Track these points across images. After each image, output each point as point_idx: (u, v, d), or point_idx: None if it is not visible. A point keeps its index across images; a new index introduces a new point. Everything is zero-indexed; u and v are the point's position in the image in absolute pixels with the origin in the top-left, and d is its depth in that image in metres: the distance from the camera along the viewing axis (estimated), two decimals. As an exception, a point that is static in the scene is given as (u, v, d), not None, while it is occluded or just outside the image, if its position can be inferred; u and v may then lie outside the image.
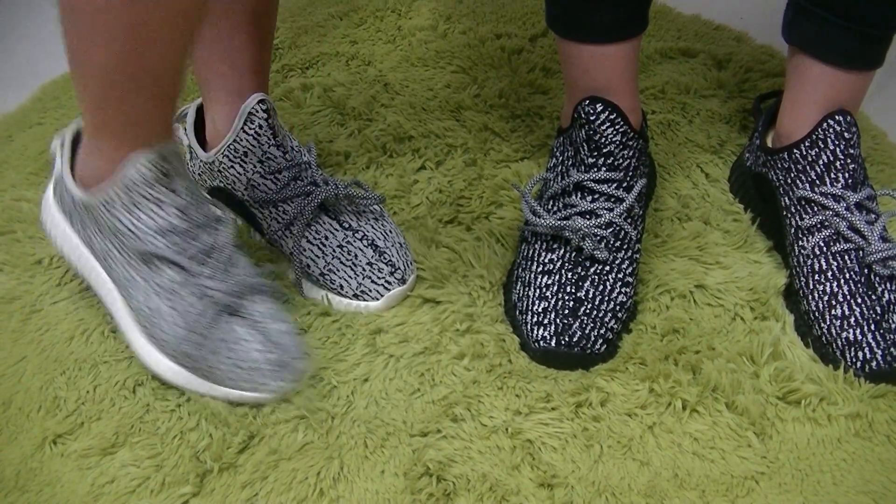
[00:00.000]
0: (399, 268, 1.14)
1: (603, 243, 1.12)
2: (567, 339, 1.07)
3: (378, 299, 1.13)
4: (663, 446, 1.00)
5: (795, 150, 1.14)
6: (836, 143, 1.11)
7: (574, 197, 1.15)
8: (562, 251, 1.13)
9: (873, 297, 1.06)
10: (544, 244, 1.15)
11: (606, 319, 1.09)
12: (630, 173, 1.15)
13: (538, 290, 1.11)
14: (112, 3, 0.84)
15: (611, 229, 1.13)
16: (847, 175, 1.11)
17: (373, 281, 1.12)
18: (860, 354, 1.04)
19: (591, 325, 1.08)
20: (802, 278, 1.11)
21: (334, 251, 1.13)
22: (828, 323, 1.07)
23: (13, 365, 1.10)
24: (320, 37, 1.66)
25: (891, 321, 1.05)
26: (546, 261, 1.13)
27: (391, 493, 0.97)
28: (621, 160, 1.15)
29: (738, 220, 1.25)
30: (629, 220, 1.14)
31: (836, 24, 1.11)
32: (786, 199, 1.16)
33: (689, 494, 0.95)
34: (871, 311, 1.05)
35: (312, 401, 1.04)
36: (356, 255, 1.13)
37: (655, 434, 1.01)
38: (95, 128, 0.99)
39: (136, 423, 1.03)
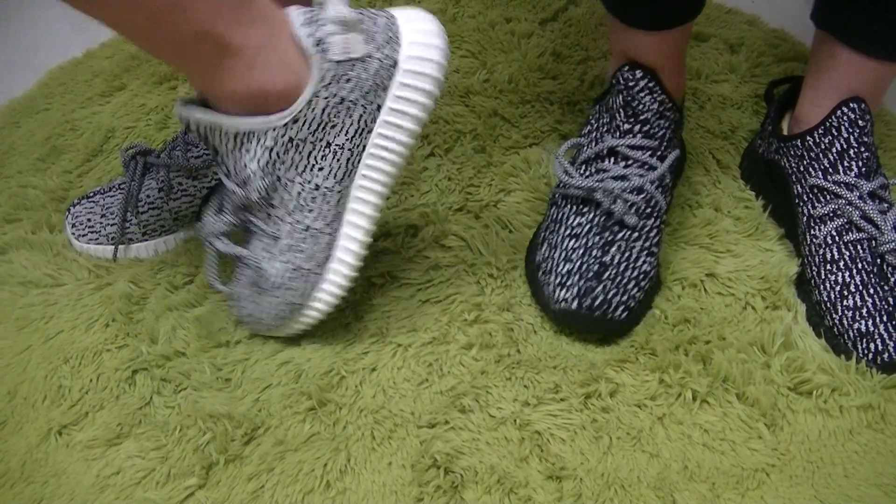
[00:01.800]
0: None
1: (633, 209, 1.11)
2: (589, 301, 1.06)
3: None
4: (673, 438, 0.99)
5: (808, 138, 1.13)
6: (850, 130, 1.10)
7: (607, 162, 1.14)
8: (591, 215, 1.12)
9: (886, 287, 1.05)
10: (574, 207, 1.14)
11: (630, 287, 1.08)
12: (665, 143, 1.15)
13: (564, 253, 1.11)
14: None
15: (642, 195, 1.12)
16: (860, 163, 1.10)
17: None
18: (872, 346, 1.03)
19: (615, 290, 1.07)
20: (814, 268, 1.10)
21: None
22: (840, 313, 1.06)
23: (18, 354, 1.10)
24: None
25: (903, 312, 1.04)
26: (574, 224, 1.12)
27: (398, 485, 0.96)
28: (657, 129, 1.14)
29: (749, 208, 1.24)
30: (660, 188, 1.13)
31: (869, 11, 1.09)
32: (798, 186, 1.15)
33: (699, 487, 0.95)
34: (884, 302, 1.04)
35: (322, 391, 1.04)
36: None
37: (665, 425, 1.00)
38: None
39: (138, 415, 1.03)
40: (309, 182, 0.98)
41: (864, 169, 1.10)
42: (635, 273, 1.09)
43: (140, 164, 1.20)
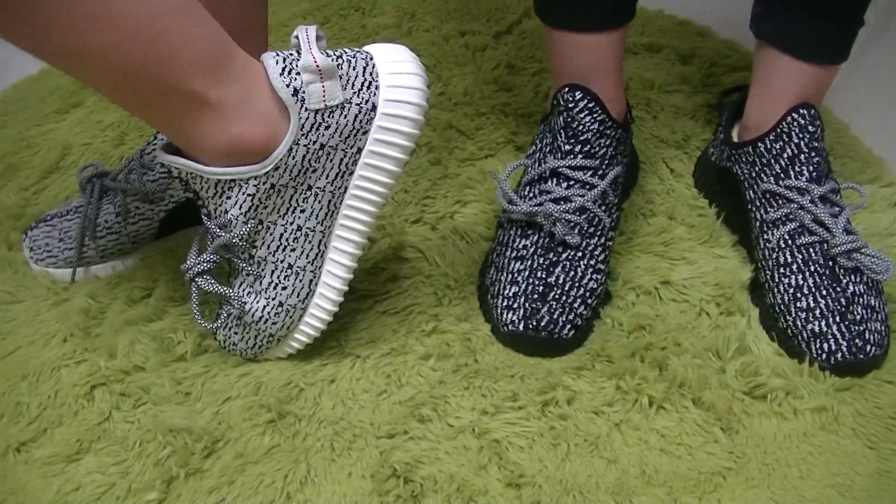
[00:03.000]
0: None
1: (576, 229, 1.12)
2: (535, 323, 1.08)
3: None
4: (630, 443, 1.00)
5: (760, 144, 1.15)
6: (801, 136, 1.12)
7: (549, 183, 1.15)
8: (535, 237, 1.13)
9: (838, 289, 1.07)
10: (519, 230, 1.15)
11: (576, 305, 1.09)
12: (606, 161, 1.15)
13: (510, 275, 1.11)
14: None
15: (584, 215, 1.13)
16: (811, 168, 1.11)
17: None
18: (825, 346, 1.04)
19: (560, 309, 1.08)
20: (768, 271, 1.11)
21: None
22: (793, 315, 1.07)
23: (-24, 372, 1.09)
24: (285, 35, 1.65)
25: (855, 313, 1.05)
26: (520, 246, 1.13)
27: (359, 496, 0.96)
28: (598, 148, 1.15)
29: (703, 215, 1.25)
30: (602, 207, 1.14)
31: (803, 18, 1.11)
32: (750, 192, 1.16)
33: (657, 491, 0.95)
34: (836, 304, 1.06)
35: (281, 403, 1.04)
36: None
37: (622, 431, 1.01)
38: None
39: (98, 430, 1.03)
40: (291, 223, 0.99)
41: (815, 174, 1.11)
42: (581, 291, 1.10)
43: (97, 188, 1.19)
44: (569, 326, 1.08)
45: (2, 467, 1.00)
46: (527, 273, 1.11)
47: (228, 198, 0.96)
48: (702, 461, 0.98)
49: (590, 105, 1.14)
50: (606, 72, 1.18)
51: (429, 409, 1.03)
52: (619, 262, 1.19)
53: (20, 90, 1.59)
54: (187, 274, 1.02)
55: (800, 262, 1.09)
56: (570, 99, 1.14)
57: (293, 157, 0.94)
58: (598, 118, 1.14)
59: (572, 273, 1.10)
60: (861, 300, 1.06)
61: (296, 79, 0.92)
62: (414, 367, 1.08)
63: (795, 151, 1.12)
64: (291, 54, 0.94)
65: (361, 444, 1.00)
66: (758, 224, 1.14)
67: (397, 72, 0.97)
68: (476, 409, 1.03)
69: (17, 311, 1.16)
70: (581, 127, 1.14)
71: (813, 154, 1.11)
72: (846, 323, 1.05)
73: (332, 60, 0.94)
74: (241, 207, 0.96)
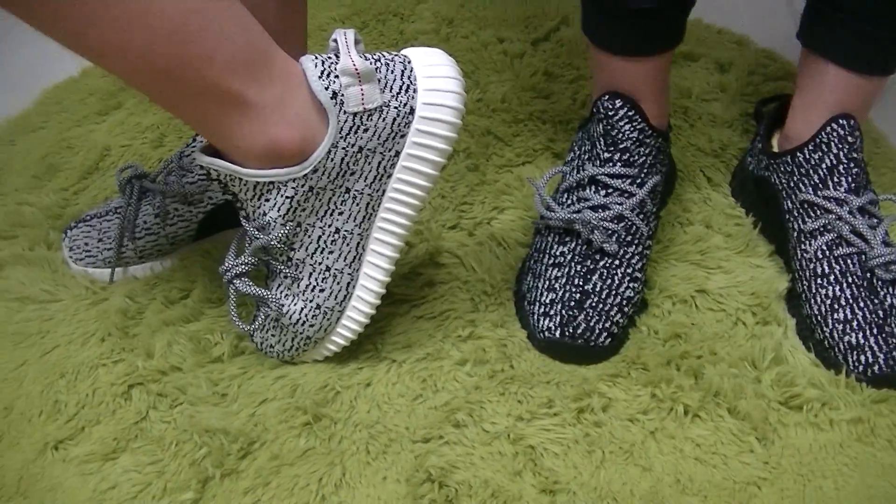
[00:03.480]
0: None
1: (613, 237, 1.12)
2: (571, 330, 1.08)
3: None
4: (665, 452, 1.00)
5: (799, 154, 1.14)
6: (840, 146, 1.11)
7: (588, 190, 1.15)
8: (573, 244, 1.13)
9: (875, 301, 1.06)
10: (556, 237, 1.15)
11: (612, 313, 1.09)
12: (645, 170, 1.16)
13: (547, 282, 1.12)
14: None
15: (622, 223, 1.13)
16: (850, 179, 1.11)
17: None
18: (862, 358, 1.04)
19: (597, 317, 1.08)
20: (805, 282, 1.11)
21: None
22: (830, 327, 1.07)
23: (14, 369, 1.10)
24: (323, 41, 1.66)
25: (893, 325, 1.05)
26: (557, 253, 1.14)
27: (393, 500, 0.97)
28: (637, 156, 1.15)
29: (739, 225, 1.25)
30: (640, 215, 1.14)
31: (854, 27, 1.11)
32: (788, 202, 1.16)
33: (691, 500, 0.95)
34: (874, 315, 1.05)
35: (317, 406, 1.04)
36: None
37: (657, 439, 1.01)
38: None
39: (134, 429, 1.04)
40: (329, 226, 0.99)
41: (853, 184, 1.11)
42: (618, 300, 1.10)
43: (136, 189, 1.20)
44: (605, 334, 1.08)
45: (39, 465, 1.01)
46: (564, 280, 1.11)
47: (267, 200, 0.96)
48: (737, 471, 0.98)
49: (630, 113, 1.14)
50: (651, 92, 1.18)
51: (464, 414, 1.03)
52: (655, 270, 1.19)
53: (60, 92, 1.61)
54: (225, 276, 1.03)
55: (837, 273, 1.09)
56: (610, 107, 1.14)
57: (331, 160, 0.95)
58: (638, 126, 1.14)
59: (609, 281, 1.11)
60: None
61: (334, 82, 0.93)
62: (450, 372, 1.08)
63: (834, 162, 1.11)
64: (330, 57, 0.94)
65: (397, 448, 1.01)
66: (795, 234, 1.14)
67: (435, 75, 0.98)
68: (511, 415, 1.03)
69: (56, 310, 1.17)
70: (620, 135, 1.14)
71: (852, 165, 1.11)
72: (883, 335, 1.04)
73: (371, 64, 0.94)
74: (279, 210, 0.96)
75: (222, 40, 0.86)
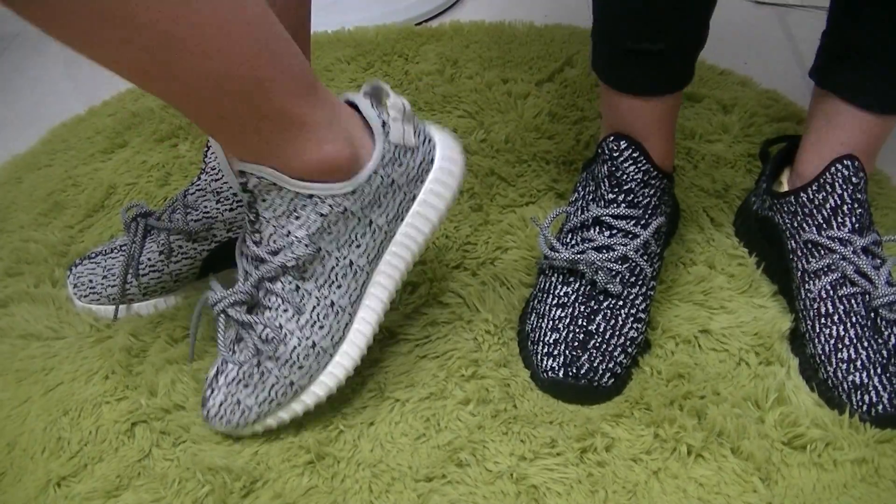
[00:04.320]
0: None
1: (617, 277, 1.13)
2: (575, 370, 1.08)
3: None
4: (668, 491, 0.99)
5: (802, 194, 1.15)
6: (844, 187, 1.12)
7: (592, 231, 1.16)
8: (576, 284, 1.14)
9: (880, 340, 1.06)
10: (560, 277, 1.15)
11: (616, 353, 1.09)
12: (650, 211, 1.16)
13: (551, 322, 1.12)
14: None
15: (626, 264, 1.13)
16: (854, 219, 1.11)
17: None
18: (866, 398, 1.04)
19: (600, 358, 1.08)
20: (809, 321, 1.11)
21: None
22: (834, 366, 1.07)
23: (18, 406, 1.10)
24: (328, 81, 1.67)
25: (897, 365, 1.05)
26: (561, 293, 1.14)
27: (395, 538, 0.96)
28: (641, 198, 1.15)
29: (743, 265, 1.25)
30: (644, 256, 1.15)
31: (872, 69, 1.11)
32: (792, 242, 1.16)
33: (695, 540, 0.95)
34: (878, 355, 1.05)
35: (320, 444, 1.04)
36: None
37: (660, 479, 1.01)
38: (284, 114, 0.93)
39: (137, 467, 1.03)
40: (345, 257, 1.01)
41: (857, 225, 1.11)
42: (622, 340, 1.11)
43: (141, 227, 1.20)
44: (609, 374, 1.08)
45: (42, 501, 1.01)
46: (568, 320, 1.11)
47: (297, 217, 0.98)
48: (740, 511, 0.98)
49: (634, 155, 1.15)
50: (660, 131, 1.18)
51: (467, 453, 1.03)
52: (658, 310, 1.19)
53: (67, 130, 1.62)
54: (218, 305, 1.02)
55: (841, 312, 1.09)
56: (615, 148, 1.15)
57: (370, 185, 0.99)
58: (643, 168, 1.15)
59: (613, 322, 1.11)
60: None
61: (384, 112, 1.00)
62: (453, 411, 1.08)
63: (838, 202, 1.12)
64: (370, 94, 1.02)
65: (399, 487, 1.01)
66: (799, 274, 1.14)
67: (446, 144, 1.07)
68: (514, 455, 1.03)
69: (60, 347, 1.18)
70: (625, 176, 1.15)
71: (856, 205, 1.11)
72: (888, 375, 1.04)
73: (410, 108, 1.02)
74: (308, 228, 0.98)
75: (285, 67, 0.88)
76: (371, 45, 1.76)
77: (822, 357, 1.08)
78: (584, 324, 1.11)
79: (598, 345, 1.09)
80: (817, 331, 1.09)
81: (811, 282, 1.12)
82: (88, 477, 1.03)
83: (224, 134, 0.94)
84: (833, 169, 1.12)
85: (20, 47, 1.86)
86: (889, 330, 1.07)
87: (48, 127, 1.63)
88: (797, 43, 1.73)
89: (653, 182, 1.16)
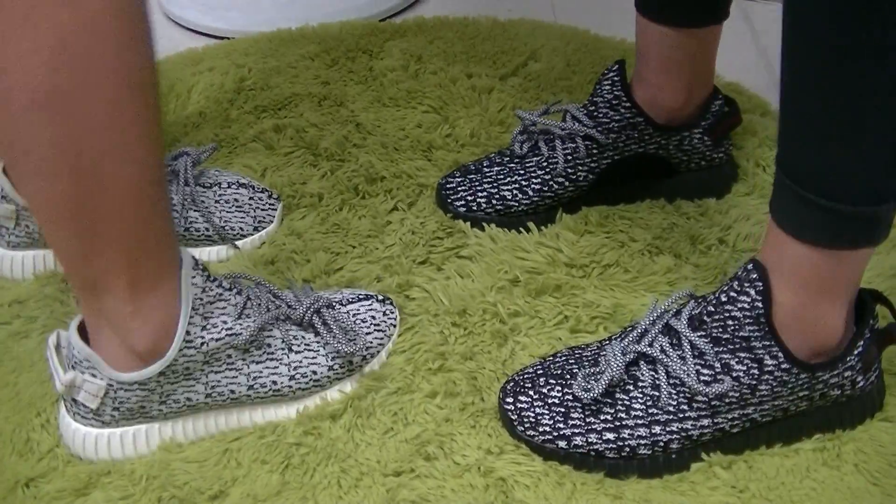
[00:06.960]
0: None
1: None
2: None
3: None
4: (634, 480, 1.01)
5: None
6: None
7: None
8: None
9: None
10: None
11: None
12: (606, 132, 1.26)
13: None
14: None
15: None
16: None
17: None
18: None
19: None
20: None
21: None
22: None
23: (-13, 407, 1.10)
24: (292, 77, 1.67)
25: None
26: None
27: (365, 533, 0.97)
28: (603, 116, 1.25)
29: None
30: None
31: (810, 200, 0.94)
32: None
33: (661, 528, 0.96)
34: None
35: (290, 442, 1.05)
36: None
37: (627, 469, 1.02)
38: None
39: (107, 465, 1.03)
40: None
41: None
42: None
43: None
44: None
45: (11, 502, 1.01)
46: None
47: None
48: (705, 496, 0.98)
49: (614, 76, 1.24)
50: (672, 65, 1.25)
51: (435, 447, 1.04)
52: (625, 301, 1.20)
53: None
54: None
55: None
56: (609, 69, 1.25)
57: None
58: (616, 91, 1.24)
59: None
60: None
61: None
62: (420, 405, 1.09)
63: None
64: None
65: (368, 482, 1.01)
66: None
67: None
68: (482, 448, 1.04)
69: (31, 348, 1.17)
70: (600, 90, 1.26)
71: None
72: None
73: None
74: None
75: None
76: (335, 42, 1.76)
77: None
78: None
79: None
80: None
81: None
82: (58, 477, 1.02)
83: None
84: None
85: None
86: None
87: None
88: (759, 36, 1.74)
89: (621, 110, 1.25)
